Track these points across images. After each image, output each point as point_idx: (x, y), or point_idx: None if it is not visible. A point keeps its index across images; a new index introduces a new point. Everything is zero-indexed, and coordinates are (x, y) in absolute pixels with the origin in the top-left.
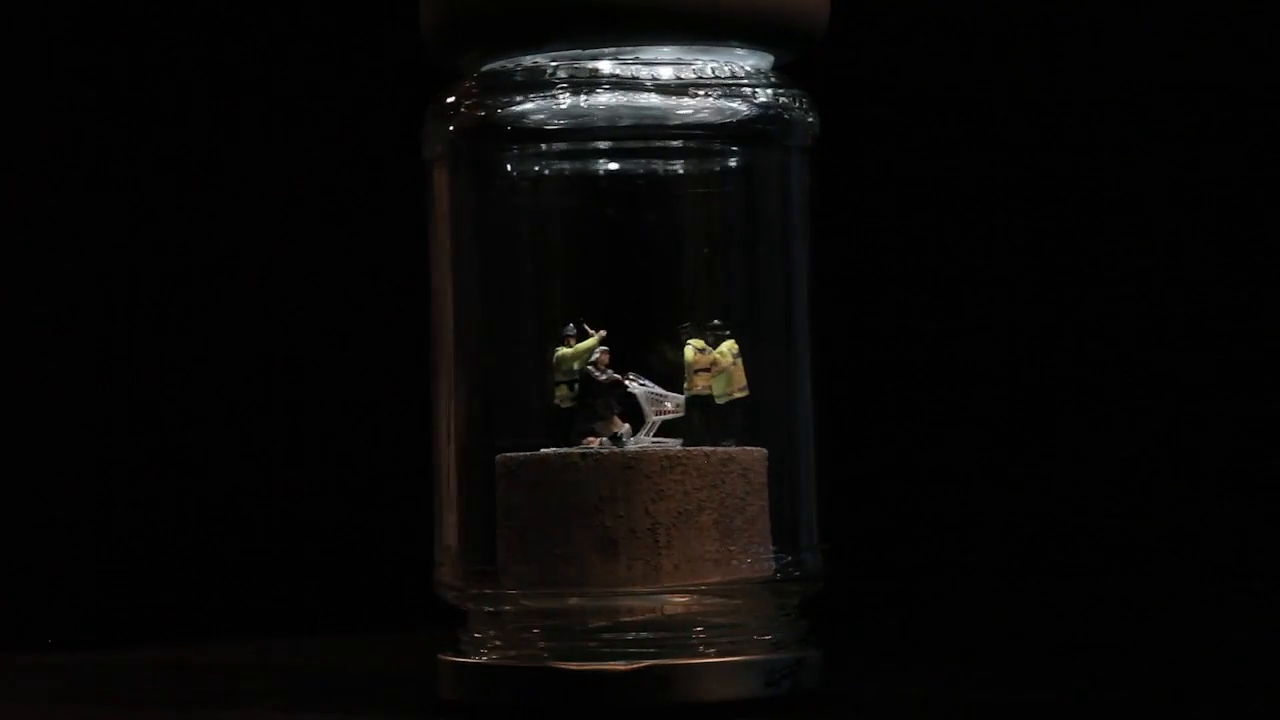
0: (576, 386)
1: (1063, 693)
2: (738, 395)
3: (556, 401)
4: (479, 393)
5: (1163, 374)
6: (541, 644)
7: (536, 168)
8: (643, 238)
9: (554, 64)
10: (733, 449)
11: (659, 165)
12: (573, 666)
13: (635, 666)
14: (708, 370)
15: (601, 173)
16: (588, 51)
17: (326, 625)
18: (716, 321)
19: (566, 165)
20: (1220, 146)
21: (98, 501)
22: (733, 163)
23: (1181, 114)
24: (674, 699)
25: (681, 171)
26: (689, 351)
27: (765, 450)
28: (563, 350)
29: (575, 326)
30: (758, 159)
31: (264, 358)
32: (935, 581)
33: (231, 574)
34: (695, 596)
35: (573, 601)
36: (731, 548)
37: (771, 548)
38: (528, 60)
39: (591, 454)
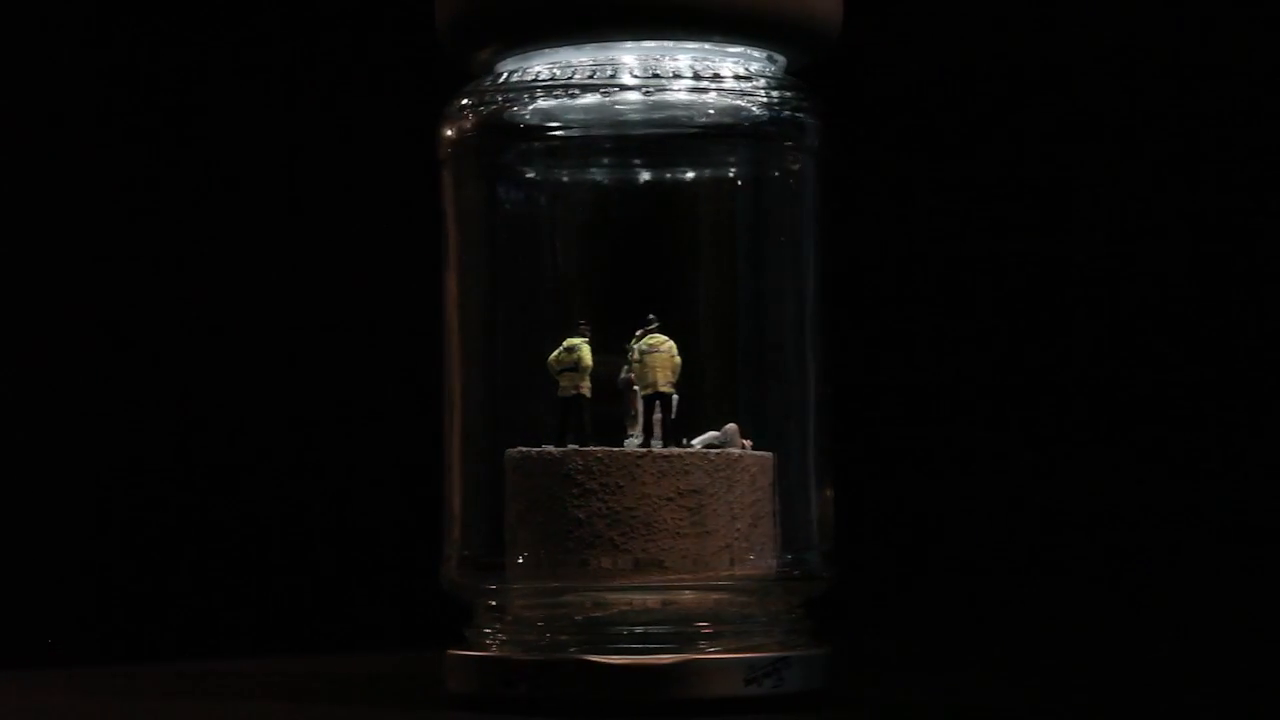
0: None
1: (1062, 693)
2: (644, 393)
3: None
4: (487, 389)
5: (1163, 373)
6: (546, 636)
7: (547, 167)
8: (651, 238)
9: (566, 64)
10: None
11: (669, 166)
12: (578, 657)
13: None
14: (574, 370)
15: (611, 173)
16: (600, 51)
17: (333, 624)
18: (650, 316)
19: (576, 165)
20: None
21: (96, 502)
22: (742, 164)
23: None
24: (675, 693)
25: (691, 172)
26: (555, 353)
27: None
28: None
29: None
30: (767, 160)
31: (266, 361)
32: (936, 581)
33: (233, 575)
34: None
35: (572, 595)
36: (547, 547)
37: (773, 547)
38: (541, 59)
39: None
